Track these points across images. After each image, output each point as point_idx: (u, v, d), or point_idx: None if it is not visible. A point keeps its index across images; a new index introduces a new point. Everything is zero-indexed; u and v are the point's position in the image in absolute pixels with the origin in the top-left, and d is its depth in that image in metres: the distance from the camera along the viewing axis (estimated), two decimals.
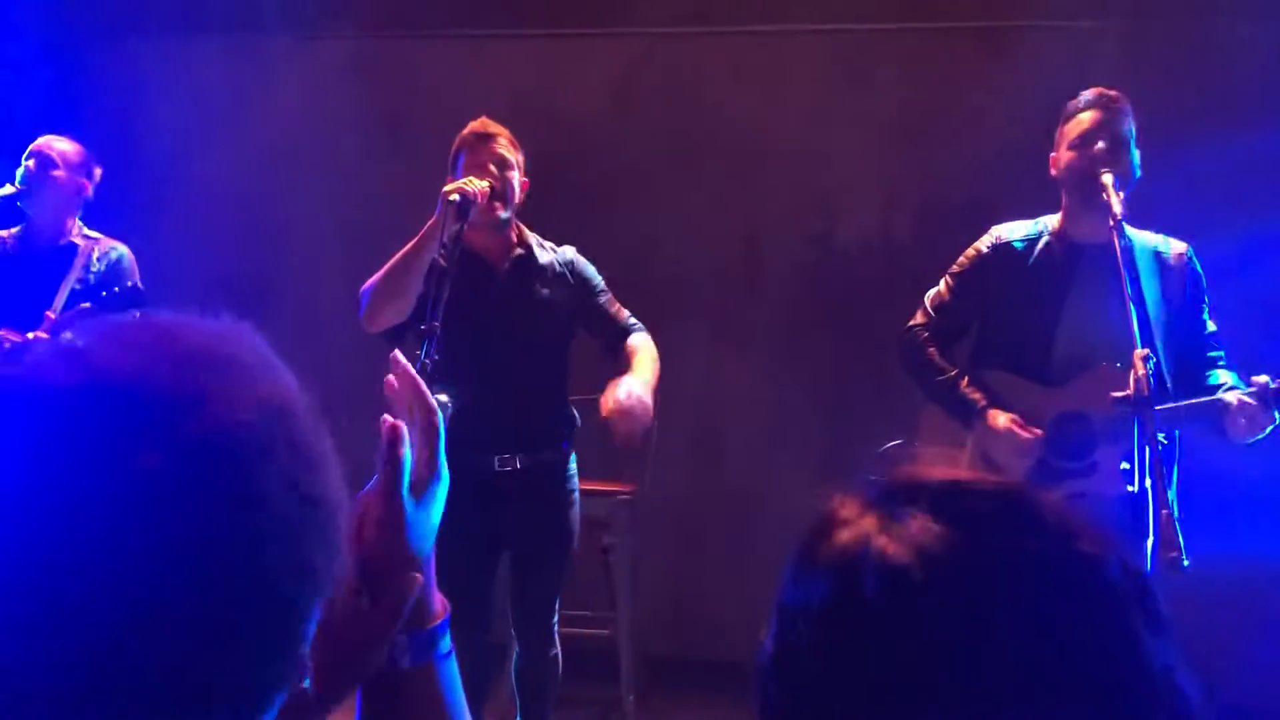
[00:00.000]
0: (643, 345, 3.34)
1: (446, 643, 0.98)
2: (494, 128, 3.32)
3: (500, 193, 3.20)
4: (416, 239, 3.17)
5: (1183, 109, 4.51)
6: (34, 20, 5.32)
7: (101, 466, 0.66)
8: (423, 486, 0.98)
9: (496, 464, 3.26)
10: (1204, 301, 3.17)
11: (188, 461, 0.67)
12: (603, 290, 3.44)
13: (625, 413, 3.02)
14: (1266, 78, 4.66)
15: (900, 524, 0.71)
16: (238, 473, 0.69)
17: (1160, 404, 2.86)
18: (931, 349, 3.25)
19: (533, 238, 3.40)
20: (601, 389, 4.57)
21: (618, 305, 3.44)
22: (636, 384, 3.11)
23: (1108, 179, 2.94)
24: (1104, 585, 0.69)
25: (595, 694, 4.32)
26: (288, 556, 0.70)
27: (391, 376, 1.00)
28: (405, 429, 0.98)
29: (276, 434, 0.71)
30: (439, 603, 0.99)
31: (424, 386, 0.99)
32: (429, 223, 3.13)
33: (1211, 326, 3.16)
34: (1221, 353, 3.13)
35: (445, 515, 3.40)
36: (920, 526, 0.70)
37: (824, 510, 0.77)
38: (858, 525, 0.73)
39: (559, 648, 3.44)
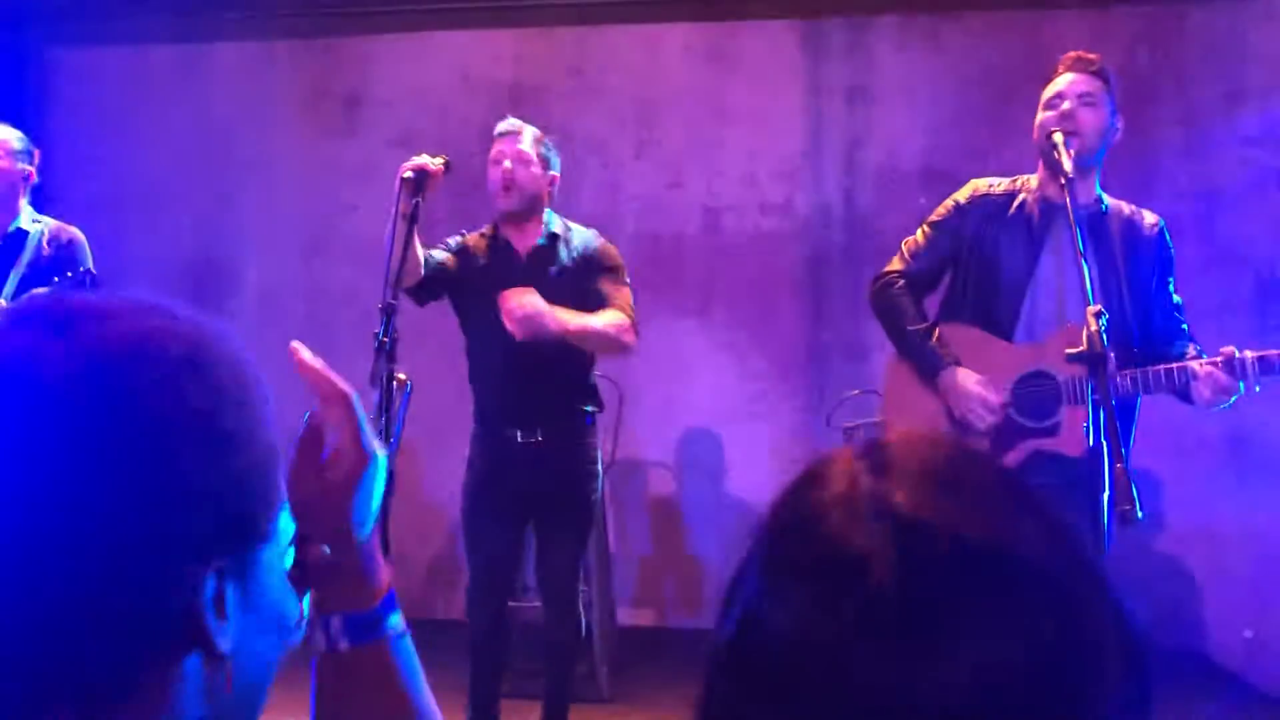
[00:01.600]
0: (600, 314, 3.42)
1: (397, 622, 0.94)
2: (516, 125, 3.53)
3: (509, 184, 3.44)
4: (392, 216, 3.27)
5: (1137, 67, 4.55)
6: None
7: None
8: (357, 469, 0.93)
9: (519, 436, 3.44)
10: (1171, 274, 3.21)
11: (84, 365, 0.68)
12: (609, 271, 3.54)
13: (516, 312, 3.24)
14: (1220, 53, 4.70)
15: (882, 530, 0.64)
16: (130, 382, 0.69)
17: (1124, 366, 2.90)
18: (905, 296, 3.25)
19: (559, 225, 3.58)
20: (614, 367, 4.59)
21: (619, 288, 3.52)
22: (541, 303, 3.27)
23: (1058, 137, 2.96)
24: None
25: None
26: (175, 476, 0.69)
27: (301, 364, 0.96)
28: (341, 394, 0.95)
29: (183, 365, 0.71)
30: (382, 580, 0.94)
31: (328, 373, 0.95)
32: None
33: (1177, 299, 3.21)
34: (1185, 325, 3.18)
35: (475, 487, 3.37)
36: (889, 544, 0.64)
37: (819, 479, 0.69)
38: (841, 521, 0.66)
39: (583, 614, 3.62)
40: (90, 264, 3.95)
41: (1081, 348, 2.45)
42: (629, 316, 3.45)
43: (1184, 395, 2.98)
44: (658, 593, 5.07)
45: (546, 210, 3.57)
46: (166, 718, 0.71)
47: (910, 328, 3.21)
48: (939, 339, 3.18)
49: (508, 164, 3.46)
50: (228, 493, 0.72)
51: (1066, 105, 3.06)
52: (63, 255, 3.91)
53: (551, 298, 3.33)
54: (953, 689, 0.61)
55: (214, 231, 5.31)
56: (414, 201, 3.13)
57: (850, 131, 4.98)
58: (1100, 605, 0.66)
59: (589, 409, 3.59)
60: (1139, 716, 0.65)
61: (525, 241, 3.53)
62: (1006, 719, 0.61)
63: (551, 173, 3.56)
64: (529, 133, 3.53)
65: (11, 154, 3.96)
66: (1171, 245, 3.23)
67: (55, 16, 5.32)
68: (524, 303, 3.25)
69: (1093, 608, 0.65)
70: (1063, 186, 2.84)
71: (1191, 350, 3.10)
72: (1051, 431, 3.04)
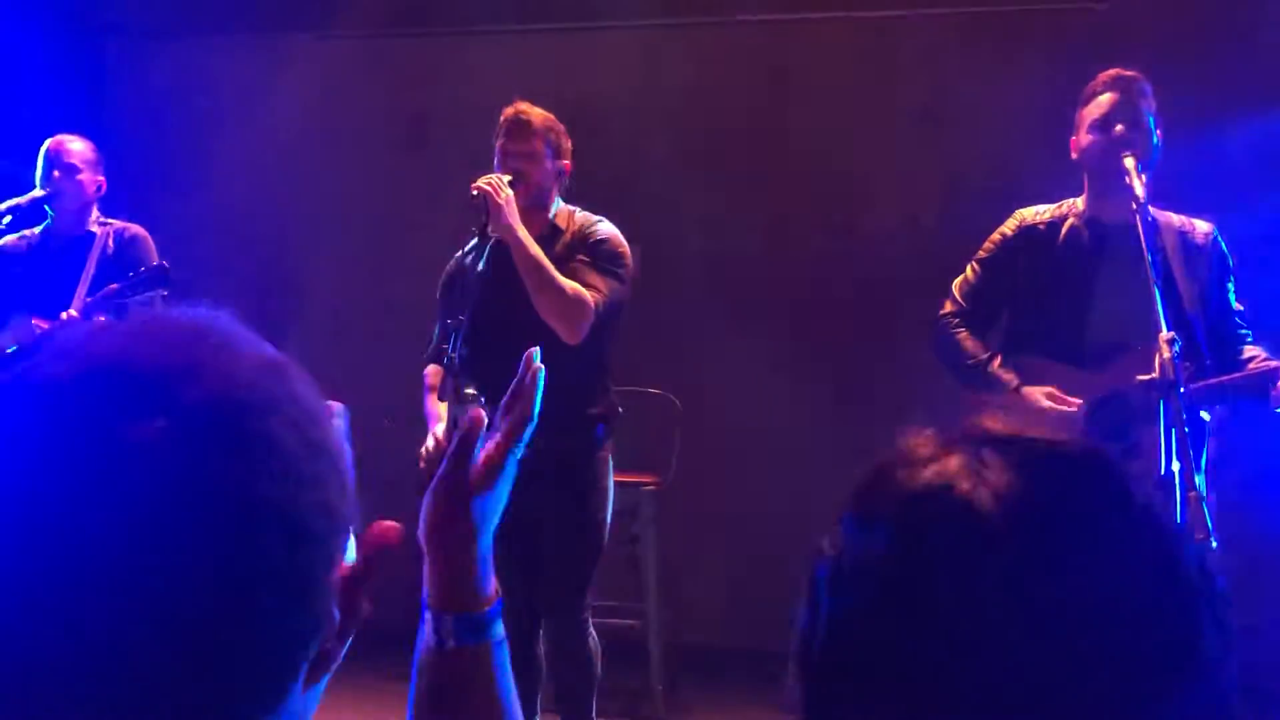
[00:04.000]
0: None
1: (499, 629, 1.01)
2: (524, 115, 3.34)
3: (519, 182, 3.24)
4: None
5: (1201, 88, 4.48)
6: (52, 20, 5.36)
7: (98, 446, 0.66)
8: (495, 472, 1.03)
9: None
10: (1230, 280, 3.16)
11: (192, 423, 0.68)
12: (591, 250, 3.30)
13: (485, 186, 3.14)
14: None
15: (984, 467, 0.68)
16: (248, 425, 0.70)
17: (1199, 380, 2.87)
18: (961, 334, 3.22)
19: (565, 216, 3.39)
20: (644, 382, 4.59)
21: (592, 272, 3.27)
22: (513, 204, 3.15)
23: (1129, 162, 2.92)
24: (1180, 570, 0.67)
25: (625, 683, 4.33)
26: (313, 498, 0.71)
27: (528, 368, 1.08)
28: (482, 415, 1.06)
29: (277, 390, 0.72)
30: (492, 588, 1.02)
31: (535, 390, 1.08)
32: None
33: (1238, 305, 3.15)
34: (1249, 331, 3.13)
35: None
36: (1002, 474, 0.67)
37: (897, 448, 0.73)
38: (940, 464, 0.70)
39: (592, 641, 3.33)
40: (156, 258, 4.05)
41: (1154, 374, 2.43)
42: (589, 297, 3.17)
43: (1262, 397, 2.92)
44: (714, 610, 5.05)
45: (556, 200, 3.38)
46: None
47: (968, 362, 3.18)
48: (1003, 365, 3.14)
49: (515, 161, 3.27)
50: (338, 492, 0.75)
51: (1120, 128, 3.02)
52: (128, 253, 4.05)
53: None
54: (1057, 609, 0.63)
55: (282, 247, 5.38)
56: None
57: (916, 151, 4.96)
58: (1187, 569, 0.68)
59: (598, 420, 3.34)
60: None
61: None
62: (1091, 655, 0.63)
63: (562, 161, 3.37)
64: (537, 123, 3.33)
65: (90, 165, 4.12)
66: (1228, 252, 3.17)
67: (111, 18, 5.43)
68: (499, 186, 3.11)
69: (1180, 563, 0.67)
70: (1134, 211, 2.81)
71: (1262, 353, 3.05)
72: (1129, 453, 2.99)
